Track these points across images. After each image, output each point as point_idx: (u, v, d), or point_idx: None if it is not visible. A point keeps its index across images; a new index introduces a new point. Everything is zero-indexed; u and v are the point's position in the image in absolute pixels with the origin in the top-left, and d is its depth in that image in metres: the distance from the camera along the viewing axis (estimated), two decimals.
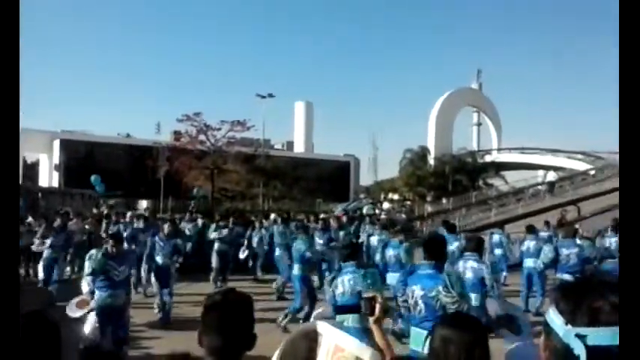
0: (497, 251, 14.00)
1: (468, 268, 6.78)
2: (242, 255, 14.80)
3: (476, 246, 7.04)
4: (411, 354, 4.30)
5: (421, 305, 4.30)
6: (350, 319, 4.65)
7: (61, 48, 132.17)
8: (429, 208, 38.63)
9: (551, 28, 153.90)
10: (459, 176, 45.04)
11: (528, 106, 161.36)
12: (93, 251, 7.12)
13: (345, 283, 5.15)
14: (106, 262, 6.88)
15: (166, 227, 10.25)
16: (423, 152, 49.65)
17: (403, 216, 29.99)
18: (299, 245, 9.84)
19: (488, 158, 56.40)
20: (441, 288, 4.21)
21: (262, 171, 40.42)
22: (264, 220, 17.58)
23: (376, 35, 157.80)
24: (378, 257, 11.26)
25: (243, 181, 38.93)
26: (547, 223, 16.37)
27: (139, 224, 13.81)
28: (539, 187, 43.19)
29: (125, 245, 9.35)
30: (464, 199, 38.56)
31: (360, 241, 13.84)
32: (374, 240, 12.96)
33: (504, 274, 13.51)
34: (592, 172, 43.68)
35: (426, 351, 2.26)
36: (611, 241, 11.75)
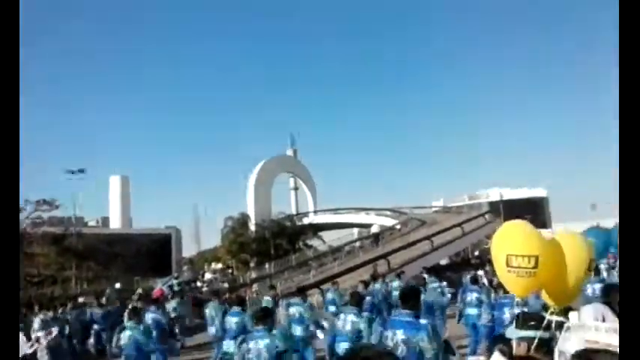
0: (331, 308, 14.82)
1: (348, 321, 7.36)
2: None
3: (355, 301, 7.86)
4: None
5: (403, 348, 4.87)
6: None
7: None
8: (252, 274, 38.83)
9: (355, 101, 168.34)
10: (280, 240, 46.27)
11: (340, 168, 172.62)
12: None
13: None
14: None
15: None
16: (244, 219, 50.25)
17: (225, 285, 29.78)
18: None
19: (306, 220, 58.83)
20: (425, 337, 4.80)
21: (74, 251, 37.48)
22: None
23: (189, 106, 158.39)
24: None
25: (53, 264, 35.70)
26: (363, 282, 17.33)
27: None
28: (355, 244, 45.97)
29: None
30: (285, 263, 39.50)
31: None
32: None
33: None
34: (398, 227, 47.69)
35: None
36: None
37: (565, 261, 3.29)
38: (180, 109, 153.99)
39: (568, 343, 2.27)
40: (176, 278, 27.93)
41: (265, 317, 5.87)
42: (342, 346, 7.27)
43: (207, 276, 36.77)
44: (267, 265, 39.22)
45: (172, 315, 16.62)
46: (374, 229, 42.15)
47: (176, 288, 25.44)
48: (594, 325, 2.24)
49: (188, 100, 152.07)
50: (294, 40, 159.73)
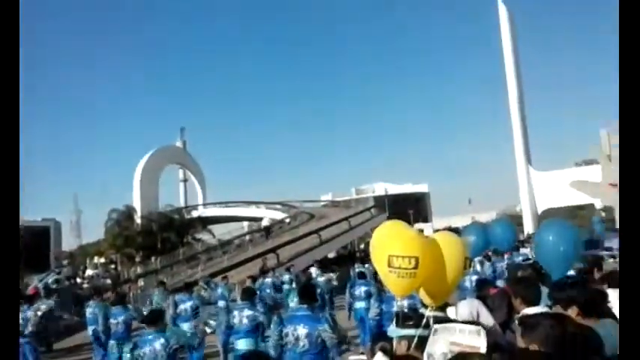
0: (221, 303, 14.83)
1: (244, 317, 7.39)
2: None
3: (248, 296, 7.88)
4: None
5: (305, 342, 5.16)
6: None
7: None
8: (138, 270, 37.49)
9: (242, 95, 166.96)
10: (167, 233, 44.96)
11: (231, 161, 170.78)
12: None
13: None
14: None
15: None
16: (129, 212, 48.23)
17: (108, 281, 28.59)
18: None
19: (195, 213, 57.69)
20: (327, 327, 5.19)
21: None
22: None
23: (70, 93, 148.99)
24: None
25: None
26: (251, 277, 17.40)
27: None
28: (245, 237, 45.82)
29: None
30: (173, 257, 38.56)
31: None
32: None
33: None
34: (287, 220, 48.23)
35: None
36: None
37: (443, 261, 3.43)
38: (60, 95, 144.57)
39: (436, 345, 2.31)
40: (58, 274, 26.38)
41: (156, 320, 5.83)
42: (241, 344, 7.30)
43: (89, 272, 35.03)
44: (153, 260, 38.02)
45: (39, 314, 15.71)
46: (265, 223, 42.28)
47: (53, 285, 24.08)
48: (459, 328, 2.31)
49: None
50: (185, 29, 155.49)
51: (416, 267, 3.28)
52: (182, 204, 69.14)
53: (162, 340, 5.52)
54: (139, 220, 47.94)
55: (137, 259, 42.35)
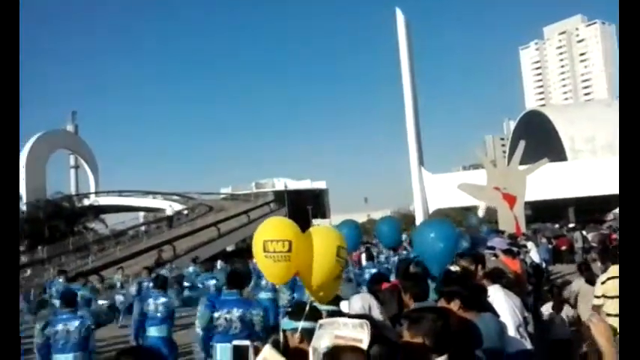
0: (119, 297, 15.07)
1: (160, 304, 7.46)
2: None
3: (162, 284, 8.00)
4: None
5: (237, 324, 5.48)
6: None
7: None
8: (23, 259, 35.40)
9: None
10: (56, 222, 42.75)
11: (127, 150, 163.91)
12: None
13: None
14: None
15: None
16: None
17: None
18: None
19: (87, 202, 55.06)
20: (261, 312, 5.64)
21: None
22: None
23: None
24: None
25: None
26: (147, 268, 17.10)
27: None
28: (141, 228, 44.54)
29: None
30: (61, 247, 36.79)
31: None
32: None
33: None
34: (185, 212, 47.50)
35: None
36: None
37: (314, 245, 3.55)
38: None
39: (321, 340, 2.28)
40: None
41: (72, 301, 6.08)
42: (154, 331, 7.44)
43: None
44: (40, 249, 36.05)
45: None
46: (168, 212, 41.38)
47: None
48: (343, 322, 2.30)
49: None
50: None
51: (289, 250, 3.42)
52: (73, 191, 65.81)
53: (77, 322, 5.73)
54: (24, 207, 45.16)
55: (22, 248, 39.94)
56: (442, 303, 3.53)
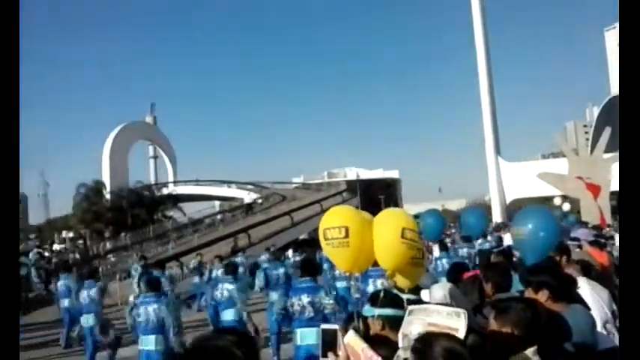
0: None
1: (229, 289, 7.66)
2: None
3: (232, 270, 8.17)
4: (309, 349, 5.51)
5: (309, 309, 5.71)
6: None
7: None
8: (107, 245, 37.20)
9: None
10: (138, 210, 44.61)
11: (203, 140, 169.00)
12: None
13: None
14: None
15: None
16: (98, 187, 47.60)
17: (77, 256, 28.35)
18: None
19: (165, 191, 57.21)
20: (323, 294, 5.82)
21: None
22: None
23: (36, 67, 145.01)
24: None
25: None
26: (219, 257, 17.33)
27: None
28: (217, 216, 45.74)
29: None
30: (143, 234, 38.36)
31: None
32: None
33: None
34: (259, 201, 48.33)
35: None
36: None
37: (375, 229, 3.52)
38: (23, 69, 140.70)
39: (411, 326, 2.23)
40: (39, 251, 25.75)
41: (156, 286, 6.52)
42: (226, 315, 7.67)
43: (56, 247, 34.57)
44: (123, 236, 37.75)
45: None
46: (247, 200, 42.31)
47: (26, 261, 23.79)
48: (436, 309, 2.23)
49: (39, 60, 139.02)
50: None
51: (346, 236, 3.41)
52: (152, 181, 68.56)
53: (155, 306, 6.14)
54: (108, 196, 47.41)
55: (106, 235, 41.97)
56: (529, 293, 3.33)
